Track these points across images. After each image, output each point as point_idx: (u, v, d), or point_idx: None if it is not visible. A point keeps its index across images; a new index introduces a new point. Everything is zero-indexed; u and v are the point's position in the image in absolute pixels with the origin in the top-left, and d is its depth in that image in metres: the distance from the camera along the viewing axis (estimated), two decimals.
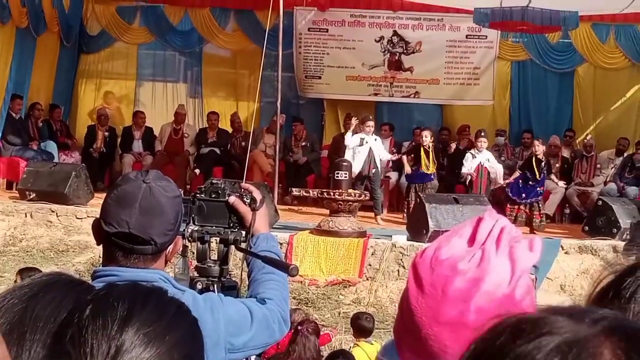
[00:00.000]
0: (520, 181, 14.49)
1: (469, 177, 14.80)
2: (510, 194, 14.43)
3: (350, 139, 14.77)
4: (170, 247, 2.69)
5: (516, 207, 14.32)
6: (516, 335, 0.99)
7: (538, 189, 14.39)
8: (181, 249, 2.86)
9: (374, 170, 14.65)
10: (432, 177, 14.84)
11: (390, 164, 16.93)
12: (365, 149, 14.63)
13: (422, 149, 14.79)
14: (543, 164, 14.47)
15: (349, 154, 14.64)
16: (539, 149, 14.60)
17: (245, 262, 3.18)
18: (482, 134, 15.12)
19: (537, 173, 14.32)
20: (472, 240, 1.43)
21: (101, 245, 2.68)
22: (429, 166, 14.68)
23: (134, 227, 2.55)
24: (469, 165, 14.71)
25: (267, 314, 2.87)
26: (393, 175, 16.78)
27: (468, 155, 14.88)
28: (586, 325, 0.98)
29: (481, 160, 14.68)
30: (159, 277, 2.60)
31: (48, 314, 1.45)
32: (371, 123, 14.98)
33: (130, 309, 1.37)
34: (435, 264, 1.42)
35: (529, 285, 1.42)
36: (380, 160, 14.96)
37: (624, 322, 1.00)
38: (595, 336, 0.96)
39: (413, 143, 16.72)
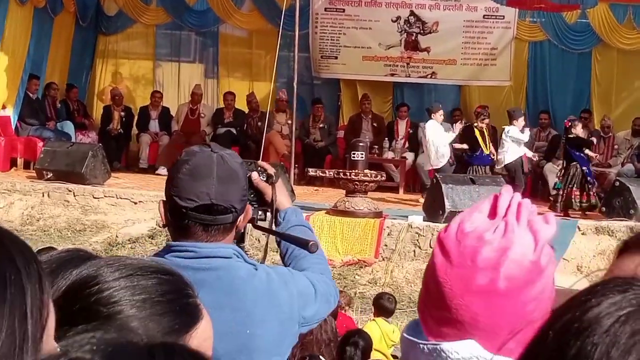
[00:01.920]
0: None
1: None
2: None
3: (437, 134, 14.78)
4: (242, 215, 2.67)
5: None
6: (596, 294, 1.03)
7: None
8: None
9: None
10: (490, 158, 14.69)
11: (407, 144, 16.95)
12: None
13: (476, 130, 14.63)
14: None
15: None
16: (578, 129, 14.24)
17: (274, 238, 3.16)
18: (522, 112, 15.06)
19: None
20: (493, 214, 1.47)
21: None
22: (487, 147, 14.51)
23: (215, 198, 2.54)
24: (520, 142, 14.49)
25: (326, 288, 2.88)
26: (409, 156, 16.75)
27: (514, 133, 14.45)
28: None
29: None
30: (232, 252, 2.59)
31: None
32: (441, 110, 15.06)
33: None
34: (461, 236, 1.45)
35: (551, 254, 1.45)
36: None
37: None
38: None
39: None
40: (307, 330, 2.86)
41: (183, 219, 2.57)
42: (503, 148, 14.37)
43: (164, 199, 2.65)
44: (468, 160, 14.75)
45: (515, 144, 14.28)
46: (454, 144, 15.01)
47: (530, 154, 15.17)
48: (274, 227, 3.05)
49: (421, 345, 1.44)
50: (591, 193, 13.48)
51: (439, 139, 14.59)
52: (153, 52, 19.67)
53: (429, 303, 1.47)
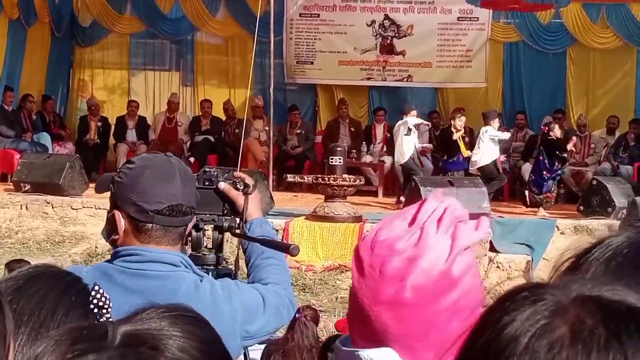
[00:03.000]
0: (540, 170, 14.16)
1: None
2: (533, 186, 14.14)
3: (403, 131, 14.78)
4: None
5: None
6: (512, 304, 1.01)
7: (559, 171, 14.17)
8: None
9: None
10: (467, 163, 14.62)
11: (385, 148, 16.98)
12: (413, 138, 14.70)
13: (455, 133, 14.63)
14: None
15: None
16: (556, 131, 14.31)
17: (241, 248, 3.18)
18: (497, 114, 15.05)
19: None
20: (413, 221, 1.43)
21: (104, 237, 2.69)
22: (466, 151, 14.50)
23: (181, 199, 2.59)
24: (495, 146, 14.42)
25: (277, 299, 2.86)
26: (387, 160, 16.77)
27: (490, 134, 14.30)
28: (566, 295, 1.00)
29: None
30: (180, 260, 2.61)
31: (32, 307, 1.45)
32: (414, 112, 15.06)
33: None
34: (374, 245, 1.41)
35: (469, 263, 1.40)
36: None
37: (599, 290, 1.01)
38: (573, 303, 0.99)
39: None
40: (252, 343, 2.84)
41: (147, 223, 2.59)
42: (479, 150, 14.34)
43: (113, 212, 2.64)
44: (444, 167, 14.80)
45: (492, 146, 14.26)
46: (418, 145, 15.11)
47: (502, 157, 15.17)
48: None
49: (341, 351, 1.44)
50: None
51: (403, 137, 14.65)
52: (128, 61, 19.61)
53: (350, 313, 1.46)
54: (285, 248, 3.03)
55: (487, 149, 14.16)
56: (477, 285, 1.42)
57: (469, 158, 14.44)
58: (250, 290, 2.80)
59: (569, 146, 14.04)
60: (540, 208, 13.62)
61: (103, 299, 1.40)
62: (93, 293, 1.39)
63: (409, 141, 14.61)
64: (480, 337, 1.01)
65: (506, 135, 14.54)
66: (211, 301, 2.58)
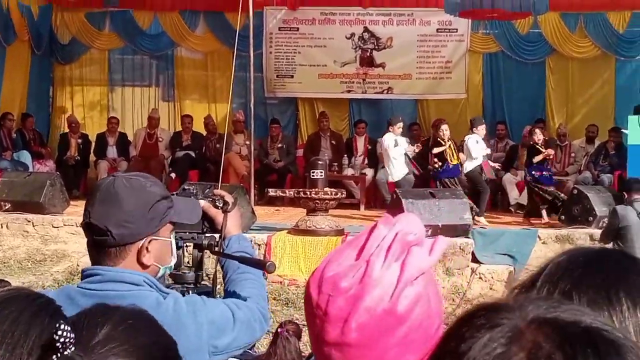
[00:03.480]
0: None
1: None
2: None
3: (392, 146, 14.78)
4: (139, 247, 2.65)
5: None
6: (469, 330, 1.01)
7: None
8: (172, 257, 2.81)
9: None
10: (459, 169, 14.51)
11: (366, 160, 17.01)
12: (401, 150, 14.69)
13: (442, 142, 14.63)
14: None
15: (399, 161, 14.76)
16: (540, 137, 14.39)
17: (219, 264, 3.18)
18: (483, 120, 15.01)
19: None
20: (361, 251, 1.39)
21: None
22: (455, 158, 14.50)
23: (93, 217, 2.60)
24: (479, 151, 14.40)
25: (249, 313, 2.85)
26: (369, 172, 16.78)
27: (472, 142, 14.32)
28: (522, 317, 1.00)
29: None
30: (143, 280, 2.60)
31: (5, 330, 1.43)
32: (401, 124, 15.07)
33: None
34: (321, 282, 1.39)
35: (418, 294, 1.36)
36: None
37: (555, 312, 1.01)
38: (529, 327, 0.99)
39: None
40: (225, 357, 2.81)
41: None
42: (464, 156, 14.37)
43: None
44: (435, 175, 14.76)
45: (476, 152, 14.29)
46: (408, 153, 15.13)
47: (491, 163, 15.21)
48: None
49: None
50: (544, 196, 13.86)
51: (393, 152, 14.64)
52: (108, 77, 19.58)
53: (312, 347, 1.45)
54: (262, 265, 3.04)
55: (472, 155, 14.19)
56: (430, 314, 1.39)
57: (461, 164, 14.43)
58: (218, 305, 2.78)
59: (543, 154, 14.13)
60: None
61: (65, 334, 1.39)
62: (60, 332, 1.39)
63: (398, 154, 14.66)
64: None
65: (478, 151, 14.43)
66: (174, 317, 2.56)
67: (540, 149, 14.23)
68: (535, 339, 0.96)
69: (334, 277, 1.38)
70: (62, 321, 1.40)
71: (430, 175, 15.32)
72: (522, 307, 1.02)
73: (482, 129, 14.45)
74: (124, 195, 2.61)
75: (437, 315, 1.41)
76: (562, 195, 13.95)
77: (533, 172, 14.27)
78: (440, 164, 14.44)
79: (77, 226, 12.61)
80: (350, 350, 1.35)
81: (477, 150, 14.11)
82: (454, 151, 14.44)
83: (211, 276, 3.37)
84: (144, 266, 2.66)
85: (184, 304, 2.64)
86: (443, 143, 14.40)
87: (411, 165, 15.16)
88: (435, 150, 14.51)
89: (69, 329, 1.39)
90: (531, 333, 0.97)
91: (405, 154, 14.90)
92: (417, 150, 15.83)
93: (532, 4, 16.03)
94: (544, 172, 14.24)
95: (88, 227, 2.62)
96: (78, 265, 11.55)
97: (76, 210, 13.90)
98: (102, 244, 2.62)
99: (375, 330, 1.34)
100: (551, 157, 14.35)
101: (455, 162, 14.37)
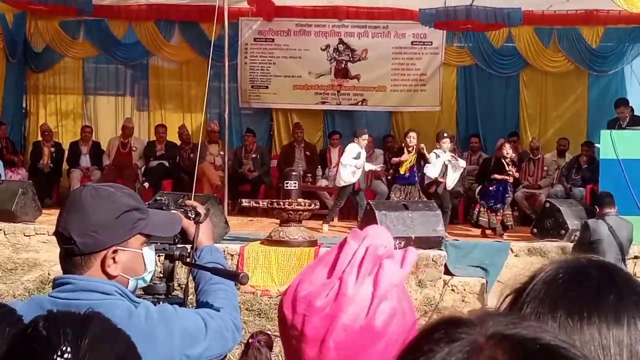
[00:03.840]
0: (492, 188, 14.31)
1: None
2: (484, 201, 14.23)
3: (348, 155, 14.87)
4: (102, 257, 2.64)
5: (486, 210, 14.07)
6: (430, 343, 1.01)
7: (506, 192, 14.20)
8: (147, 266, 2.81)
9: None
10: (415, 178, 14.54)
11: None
12: (360, 163, 14.72)
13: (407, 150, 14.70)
14: (510, 166, 14.19)
15: (348, 169, 14.77)
16: (508, 152, 14.41)
17: (191, 275, 3.17)
18: (445, 135, 15.00)
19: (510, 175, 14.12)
20: (333, 268, 1.40)
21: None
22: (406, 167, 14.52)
23: (60, 226, 2.64)
24: (437, 166, 14.44)
25: (221, 323, 2.85)
26: None
27: (432, 155, 14.41)
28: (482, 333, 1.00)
29: (445, 161, 14.46)
30: (114, 290, 2.60)
31: None
32: (366, 136, 15.08)
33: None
34: (295, 302, 1.40)
35: (393, 308, 1.38)
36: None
37: (515, 329, 1.01)
38: (488, 342, 0.99)
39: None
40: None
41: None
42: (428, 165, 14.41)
43: None
44: (394, 182, 14.78)
45: (438, 164, 14.38)
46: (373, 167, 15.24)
47: (371, 165, 15.34)
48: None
49: None
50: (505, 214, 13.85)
51: (345, 159, 14.73)
52: (82, 86, 19.49)
53: None
54: (234, 276, 3.03)
55: (430, 167, 14.26)
56: (406, 327, 1.39)
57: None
58: (190, 315, 2.78)
59: (502, 176, 14.15)
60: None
61: None
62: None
63: (349, 163, 14.73)
64: None
65: (434, 169, 14.58)
66: (145, 327, 2.56)
67: (506, 165, 14.18)
68: (493, 355, 0.97)
69: (307, 296, 1.38)
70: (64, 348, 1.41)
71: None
72: (482, 322, 1.02)
73: (443, 143, 14.50)
74: (89, 204, 2.62)
75: (412, 328, 1.42)
76: (498, 224, 13.91)
77: (487, 184, 14.31)
78: (391, 171, 14.63)
79: (48, 235, 12.55)
80: None
81: (430, 166, 14.25)
82: (413, 160, 14.46)
83: (183, 287, 3.36)
84: (109, 276, 2.64)
85: (155, 313, 2.64)
86: (409, 151, 14.45)
87: (364, 178, 15.23)
88: (395, 159, 14.60)
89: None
90: (489, 349, 0.97)
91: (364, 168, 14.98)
92: (378, 169, 15.85)
93: (507, 14, 16.15)
94: (499, 189, 14.15)
95: (57, 235, 2.65)
96: (49, 274, 11.49)
97: (48, 219, 13.83)
98: (69, 253, 2.63)
99: (354, 348, 1.35)
100: (510, 181, 14.27)
101: (403, 170, 14.40)
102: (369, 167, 15.39)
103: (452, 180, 14.50)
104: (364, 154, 14.91)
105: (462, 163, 14.79)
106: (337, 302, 1.35)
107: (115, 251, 2.65)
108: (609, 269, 1.42)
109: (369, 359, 1.35)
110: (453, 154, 14.94)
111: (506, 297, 1.43)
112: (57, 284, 2.62)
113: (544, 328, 1.02)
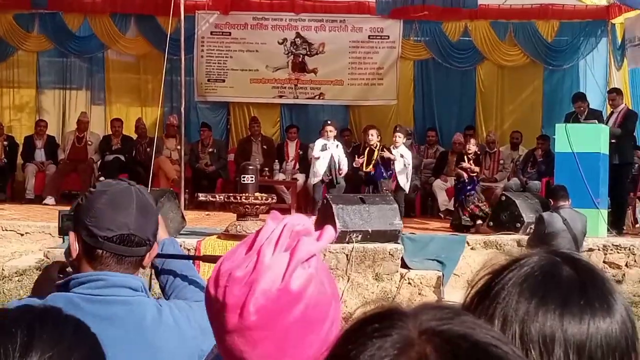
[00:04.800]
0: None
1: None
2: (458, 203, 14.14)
3: (315, 149, 15.02)
4: (150, 252, 2.70)
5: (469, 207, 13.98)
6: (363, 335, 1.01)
7: (468, 187, 14.13)
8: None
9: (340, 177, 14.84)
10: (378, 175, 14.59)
11: (297, 165, 17.02)
12: (328, 154, 14.71)
13: (369, 148, 14.72)
14: (472, 162, 14.08)
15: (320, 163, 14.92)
16: (472, 148, 14.42)
17: (152, 269, 3.15)
18: (398, 129, 15.01)
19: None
20: (251, 246, 1.46)
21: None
22: (367, 165, 14.53)
23: (134, 229, 2.57)
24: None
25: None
26: (300, 177, 16.79)
27: (395, 152, 14.45)
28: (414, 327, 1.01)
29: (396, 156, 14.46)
30: (140, 285, 2.61)
31: None
32: (330, 127, 15.05)
33: (30, 333, 1.33)
34: (217, 278, 1.46)
35: (310, 274, 1.43)
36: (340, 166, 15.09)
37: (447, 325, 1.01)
38: (419, 338, 0.99)
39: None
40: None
41: (97, 249, 2.57)
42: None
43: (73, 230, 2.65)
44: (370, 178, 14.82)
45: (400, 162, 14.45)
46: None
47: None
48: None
49: None
50: (472, 207, 13.79)
51: (316, 154, 14.85)
52: (36, 80, 19.29)
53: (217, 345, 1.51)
54: (216, 261, 3.03)
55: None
56: (325, 293, 1.45)
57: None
58: (200, 310, 2.79)
59: (459, 168, 14.19)
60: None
61: None
62: None
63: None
64: None
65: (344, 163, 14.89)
66: (174, 324, 2.61)
67: (466, 161, 14.17)
68: (424, 351, 0.97)
69: (228, 270, 1.44)
70: None
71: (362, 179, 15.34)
72: (417, 316, 1.02)
73: (397, 137, 14.57)
74: (153, 204, 2.70)
75: (332, 296, 1.48)
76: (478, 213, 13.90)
77: (458, 186, 14.34)
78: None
79: (3, 230, 12.42)
80: (251, 333, 1.41)
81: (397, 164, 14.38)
82: (372, 158, 14.51)
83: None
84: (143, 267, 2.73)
85: (177, 310, 2.67)
86: (372, 148, 14.51)
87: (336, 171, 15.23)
88: (358, 161, 14.71)
89: None
90: (420, 344, 0.97)
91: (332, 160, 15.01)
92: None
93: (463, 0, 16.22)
94: (465, 185, 14.15)
95: (125, 238, 2.58)
96: (3, 269, 11.36)
97: (2, 213, 13.69)
98: (136, 254, 2.62)
99: (273, 311, 1.40)
100: (463, 175, 14.27)
101: (365, 168, 14.46)
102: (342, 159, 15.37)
103: (402, 180, 14.54)
104: (331, 146, 14.97)
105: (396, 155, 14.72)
106: (255, 270, 1.41)
107: (154, 247, 2.74)
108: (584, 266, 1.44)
109: (288, 321, 1.40)
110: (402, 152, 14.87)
111: (481, 278, 1.44)
112: (82, 280, 2.56)
113: (478, 324, 1.02)
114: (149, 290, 3.15)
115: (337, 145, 15.22)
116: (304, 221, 1.48)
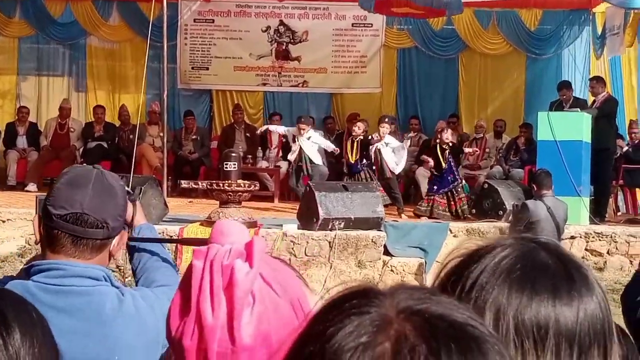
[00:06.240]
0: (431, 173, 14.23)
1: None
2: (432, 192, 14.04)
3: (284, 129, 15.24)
4: (116, 240, 2.64)
5: (432, 198, 13.89)
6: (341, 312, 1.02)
7: (448, 177, 13.86)
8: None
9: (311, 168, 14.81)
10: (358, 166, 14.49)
11: (280, 153, 17.01)
12: (296, 147, 14.72)
13: (351, 139, 14.69)
14: (447, 152, 13.84)
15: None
16: (447, 136, 14.16)
17: (127, 253, 3.13)
18: (386, 119, 14.99)
19: (441, 161, 13.81)
20: (187, 300, 1.44)
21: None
22: (353, 156, 14.48)
23: (87, 208, 2.51)
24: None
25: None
26: (283, 165, 16.78)
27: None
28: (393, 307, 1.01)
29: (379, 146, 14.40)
30: (102, 275, 2.55)
31: None
32: (303, 125, 14.94)
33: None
34: (169, 337, 1.47)
35: (258, 313, 1.41)
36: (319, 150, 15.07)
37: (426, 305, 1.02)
38: (397, 317, 0.99)
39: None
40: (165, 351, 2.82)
41: (53, 228, 2.52)
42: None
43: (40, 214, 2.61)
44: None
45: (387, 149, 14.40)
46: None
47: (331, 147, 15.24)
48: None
49: None
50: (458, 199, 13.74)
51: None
52: (17, 66, 19.18)
53: None
54: (202, 243, 3.01)
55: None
56: (284, 316, 1.43)
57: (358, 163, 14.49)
58: (164, 299, 2.76)
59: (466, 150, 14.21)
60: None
61: None
62: None
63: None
64: (304, 347, 1.01)
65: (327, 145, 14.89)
66: (136, 314, 2.56)
67: (440, 152, 14.03)
68: (402, 330, 0.97)
69: (176, 334, 1.43)
70: None
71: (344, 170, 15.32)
72: (393, 295, 1.02)
73: (383, 126, 14.46)
74: (117, 189, 2.62)
75: (290, 300, 1.46)
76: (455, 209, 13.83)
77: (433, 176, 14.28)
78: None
79: None
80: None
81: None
82: (357, 148, 14.49)
83: (121, 268, 3.33)
84: (109, 259, 2.67)
85: (140, 298, 2.63)
86: (353, 139, 14.52)
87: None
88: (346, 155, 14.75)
89: None
90: (399, 323, 0.98)
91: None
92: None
93: (446, 3, 16.13)
94: (444, 175, 14.05)
95: (79, 218, 2.52)
96: None
97: None
98: (92, 236, 2.55)
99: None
100: (431, 165, 14.24)
101: (352, 159, 14.42)
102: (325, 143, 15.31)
103: (391, 164, 14.43)
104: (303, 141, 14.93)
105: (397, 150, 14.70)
106: (202, 338, 1.39)
107: (123, 235, 2.70)
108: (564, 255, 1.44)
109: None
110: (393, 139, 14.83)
111: (452, 259, 1.43)
112: (41, 268, 2.51)
113: (455, 304, 1.03)
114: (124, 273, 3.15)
115: (309, 137, 15.02)
116: (229, 237, 1.45)
